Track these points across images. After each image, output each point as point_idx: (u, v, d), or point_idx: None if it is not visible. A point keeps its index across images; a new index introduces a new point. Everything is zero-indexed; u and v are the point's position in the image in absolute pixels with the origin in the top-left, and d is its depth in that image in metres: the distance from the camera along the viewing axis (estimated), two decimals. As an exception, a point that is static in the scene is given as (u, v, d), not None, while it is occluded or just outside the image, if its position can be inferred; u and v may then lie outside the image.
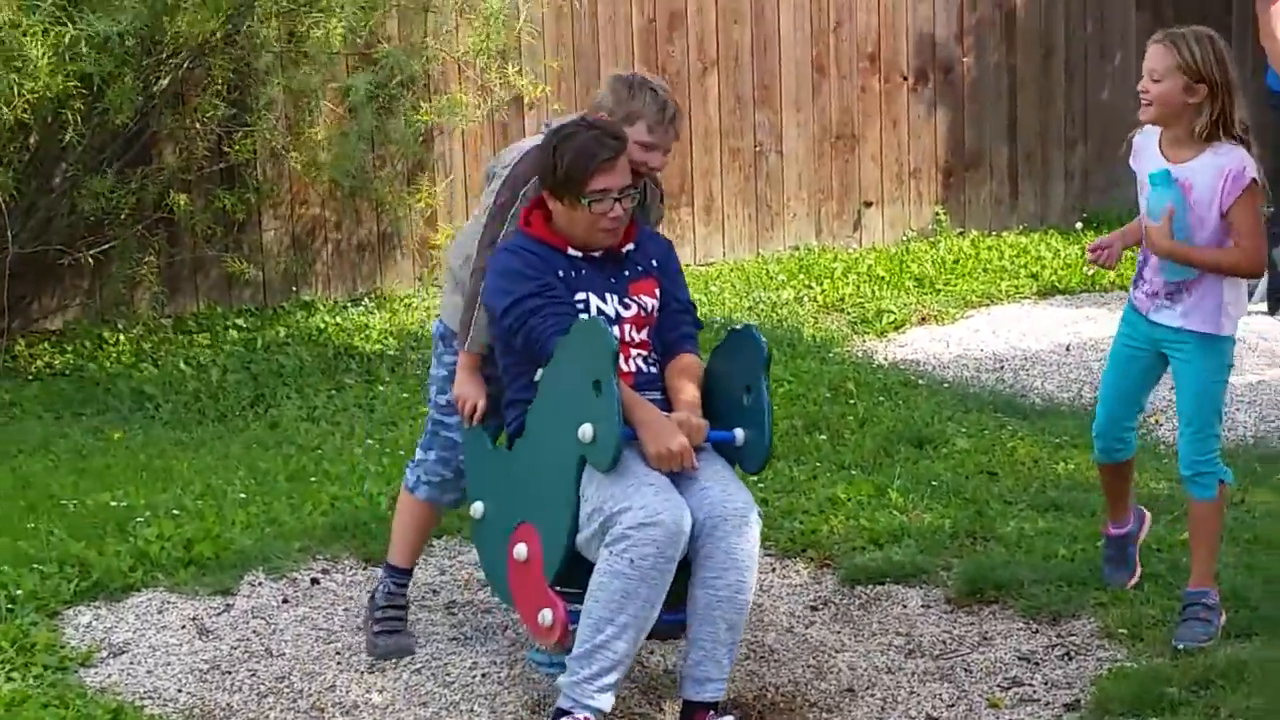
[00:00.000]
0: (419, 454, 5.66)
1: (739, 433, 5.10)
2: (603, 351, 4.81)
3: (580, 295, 5.12)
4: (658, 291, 5.25)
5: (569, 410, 4.91)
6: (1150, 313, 5.53)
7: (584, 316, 5.03)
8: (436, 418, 5.57)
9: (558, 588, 5.01)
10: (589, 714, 4.80)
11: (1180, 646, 5.34)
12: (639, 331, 5.18)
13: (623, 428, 4.82)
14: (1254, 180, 5.30)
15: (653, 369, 5.19)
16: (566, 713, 4.82)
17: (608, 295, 5.15)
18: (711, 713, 4.93)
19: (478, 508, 5.30)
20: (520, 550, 5.07)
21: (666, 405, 5.12)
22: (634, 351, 5.16)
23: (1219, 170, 5.30)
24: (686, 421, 5.00)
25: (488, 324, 5.22)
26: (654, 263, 5.28)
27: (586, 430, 4.84)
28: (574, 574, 5.00)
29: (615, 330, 5.09)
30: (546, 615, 4.96)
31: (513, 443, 5.19)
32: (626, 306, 5.17)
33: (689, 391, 5.15)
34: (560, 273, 5.12)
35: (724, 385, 5.19)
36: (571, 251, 5.15)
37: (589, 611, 4.82)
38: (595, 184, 5.05)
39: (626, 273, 5.21)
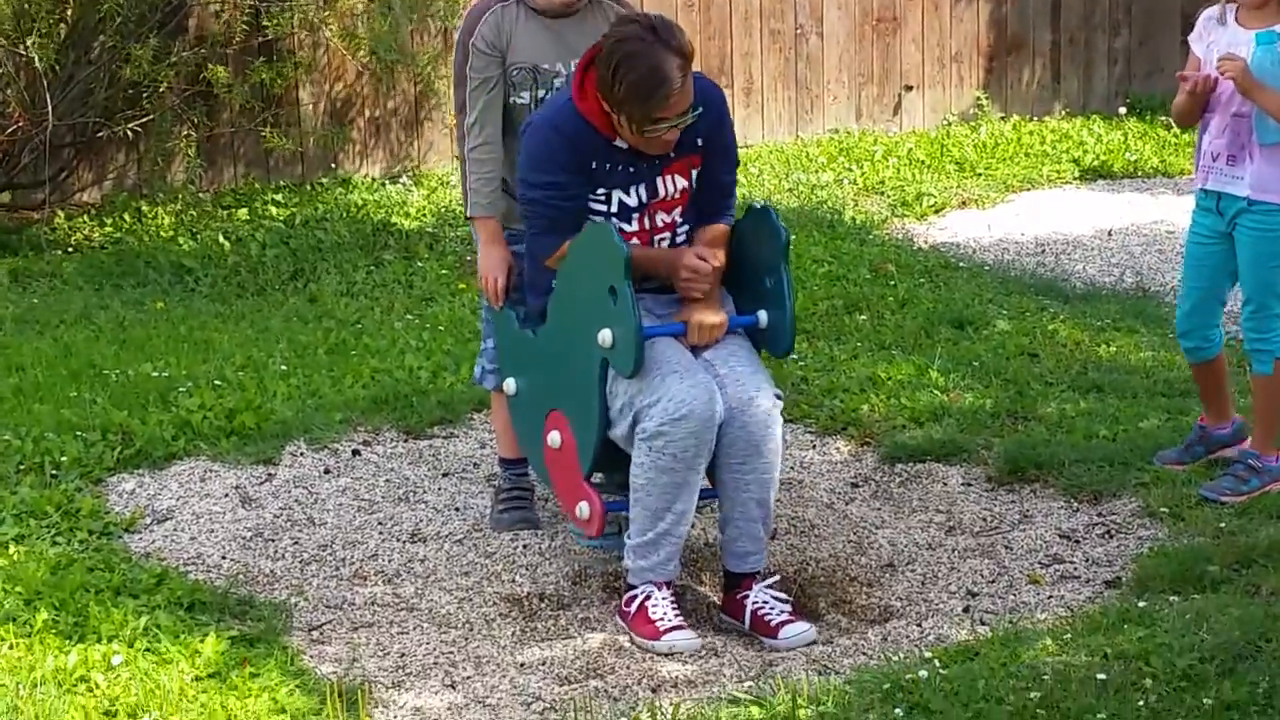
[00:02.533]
0: (482, 344, 5.64)
1: (762, 315, 5.08)
2: (615, 258, 4.78)
3: (601, 191, 4.99)
4: (694, 172, 5.08)
5: (587, 313, 4.90)
6: (1210, 180, 5.49)
7: (594, 220, 4.93)
8: (485, 303, 5.53)
9: (593, 478, 5.06)
10: (664, 579, 4.88)
11: (1202, 493, 5.46)
12: (667, 213, 5.08)
13: (642, 330, 4.79)
14: None
15: (680, 246, 5.12)
16: (636, 587, 4.88)
17: (634, 187, 5.01)
18: (756, 577, 4.96)
19: (510, 384, 5.31)
20: (554, 438, 5.09)
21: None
22: (657, 236, 5.07)
23: None
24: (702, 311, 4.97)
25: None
26: (699, 141, 5.07)
27: (606, 335, 4.84)
28: (609, 461, 5.05)
29: (636, 218, 5.01)
30: (584, 509, 5.01)
31: (537, 328, 5.19)
32: (654, 194, 5.04)
33: (709, 233, 5.07)
34: (593, 163, 4.97)
35: (745, 269, 5.14)
36: (617, 142, 4.96)
37: (643, 504, 4.85)
38: (655, 114, 4.83)
39: (671, 155, 5.03)
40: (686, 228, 5.12)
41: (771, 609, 4.88)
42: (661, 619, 4.80)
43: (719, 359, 4.99)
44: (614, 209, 5.00)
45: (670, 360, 4.87)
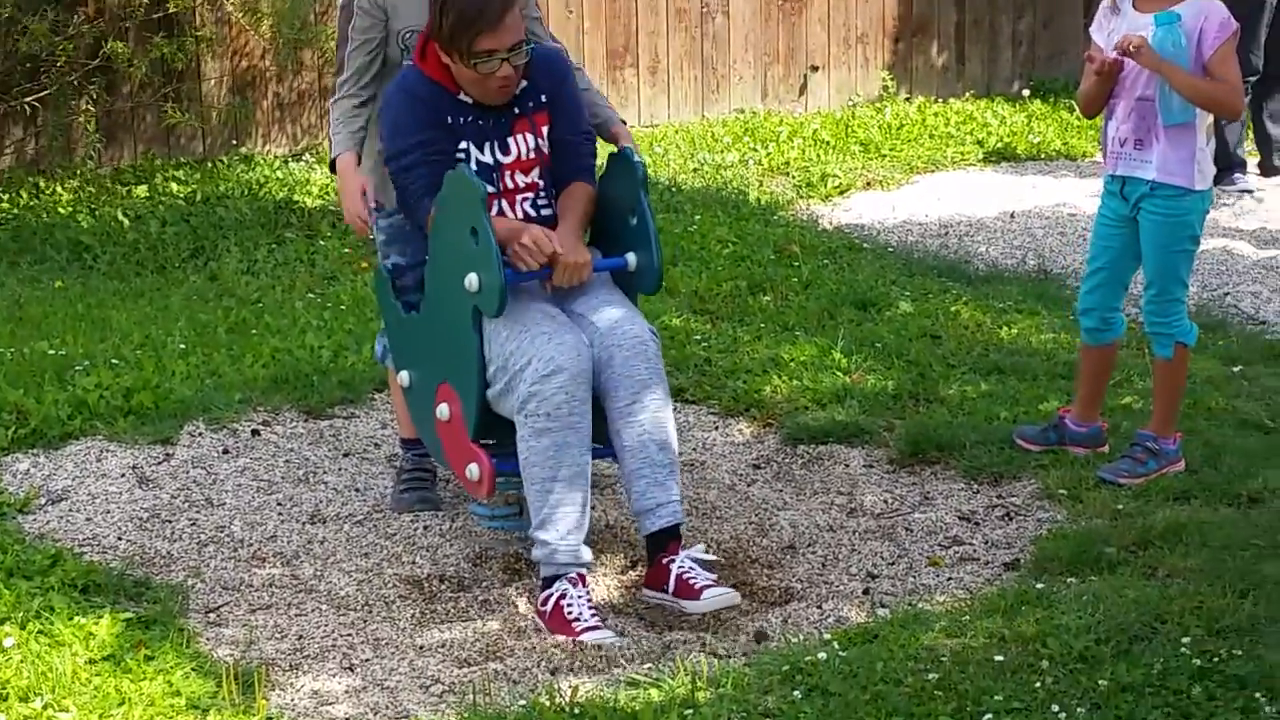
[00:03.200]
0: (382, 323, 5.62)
1: (630, 257, 5.10)
2: (472, 198, 4.80)
3: (462, 144, 5.04)
4: (545, 129, 5.12)
5: (455, 264, 4.91)
6: (1119, 165, 5.53)
7: (455, 170, 4.93)
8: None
9: (481, 441, 5.02)
10: (576, 571, 4.81)
11: (1100, 475, 5.52)
12: (525, 174, 5.10)
13: (505, 271, 4.81)
14: (1236, 30, 5.42)
15: (545, 210, 5.13)
16: (555, 578, 4.82)
17: (486, 144, 5.06)
18: (679, 544, 4.93)
19: (404, 377, 5.30)
20: (443, 410, 5.08)
21: None
22: (519, 197, 5.10)
23: (1199, 15, 5.39)
24: (566, 251, 4.96)
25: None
26: (542, 98, 5.13)
27: (472, 279, 4.84)
28: (493, 428, 5.02)
29: (496, 178, 5.04)
30: (473, 469, 4.98)
31: (419, 306, 5.18)
32: (506, 151, 5.08)
33: (569, 218, 5.07)
34: (448, 118, 5.03)
35: (610, 211, 5.18)
36: (462, 97, 5.04)
37: (530, 479, 4.83)
38: (480, 45, 4.90)
39: (516, 110, 5.09)
40: (548, 192, 5.14)
41: (696, 575, 4.85)
42: (578, 619, 4.74)
43: (589, 307, 5.00)
44: (474, 169, 5.01)
45: (538, 322, 4.87)
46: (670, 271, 7.97)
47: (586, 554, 4.85)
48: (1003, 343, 6.98)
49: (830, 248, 8.46)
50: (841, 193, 9.85)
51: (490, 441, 5.05)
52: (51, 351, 6.75)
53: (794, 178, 10.05)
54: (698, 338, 7.04)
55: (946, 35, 12.15)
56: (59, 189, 9.34)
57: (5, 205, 9.13)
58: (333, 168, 5.45)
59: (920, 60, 12.11)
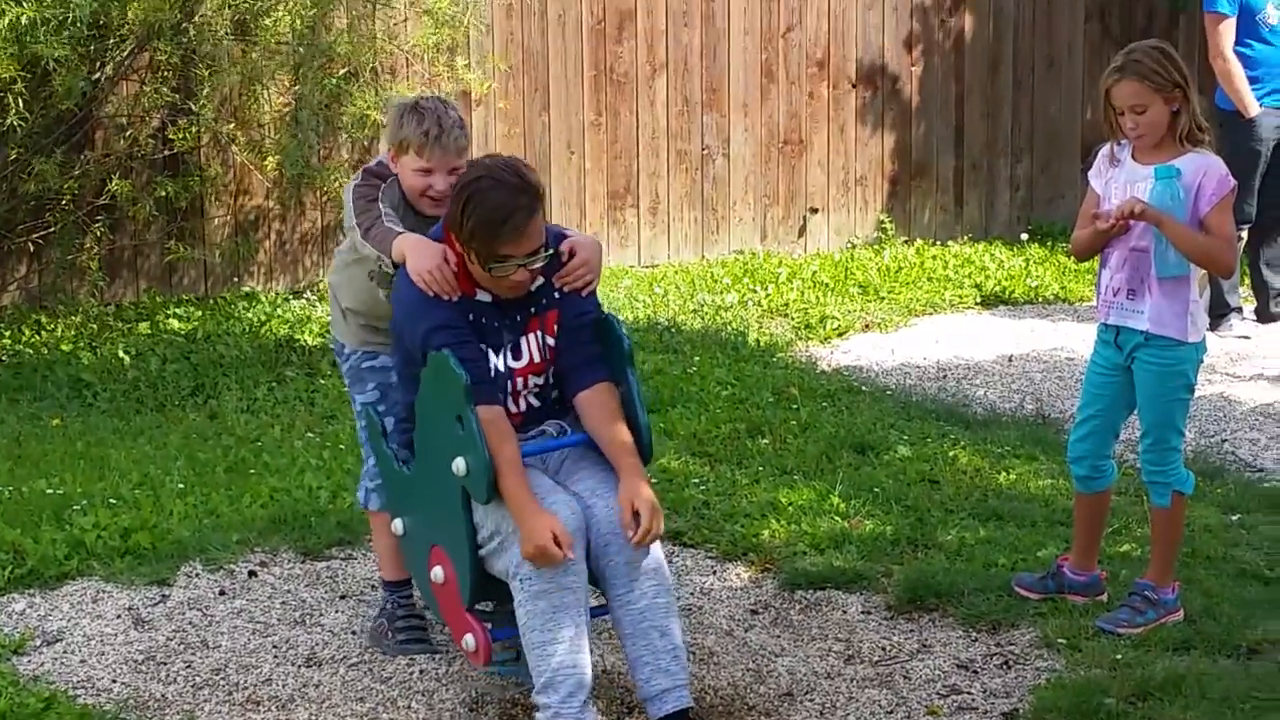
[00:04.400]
0: (363, 465, 5.63)
1: None
2: (455, 386, 4.80)
3: (482, 344, 5.01)
4: (556, 327, 5.09)
5: (442, 443, 4.93)
6: (1111, 315, 5.56)
7: (439, 354, 4.88)
8: (364, 423, 5.52)
9: (477, 607, 5.04)
10: None
11: (1099, 625, 5.50)
12: (537, 377, 5.08)
13: (486, 457, 4.80)
14: (1234, 187, 5.48)
15: (548, 399, 5.11)
16: None
17: (500, 349, 5.01)
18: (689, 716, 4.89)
19: (398, 525, 5.32)
20: (437, 573, 5.09)
21: (564, 429, 5.10)
22: (525, 393, 5.09)
23: (1198, 170, 5.44)
24: (636, 502, 4.87)
25: (395, 344, 5.18)
26: (556, 294, 5.09)
27: (459, 464, 4.86)
28: (489, 589, 5.04)
29: (507, 384, 5.02)
30: (469, 640, 5.00)
31: (410, 464, 5.21)
32: (518, 355, 5.05)
33: (619, 439, 4.98)
34: (470, 316, 4.99)
35: None
36: (479, 296, 5.00)
37: (529, 643, 4.81)
38: (501, 250, 4.86)
39: (531, 309, 5.05)
40: (550, 379, 5.12)
41: None
42: None
43: (586, 489, 4.98)
44: (491, 373, 4.99)
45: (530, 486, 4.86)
46: (669, 413, 7.99)
47: (590, 716, 4.82)
48: (1001, 488, 6.98)
49: (829, 390, 8.48)
50: (840, 335, 9.89)
51: (488, 606, 5.07)
52: (50, 490, 6.75)
53: (793, 319, 10.09)
54: (695, 480, 7.04)
55: (945, 179, 12.25)
56: (60, 325, 9.37)
57: (7, 341, 9.16)
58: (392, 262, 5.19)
59: (918, 203, 12.20)
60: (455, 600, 5.04)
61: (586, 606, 4.86)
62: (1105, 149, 5.66)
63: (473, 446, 4.80)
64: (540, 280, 5.04)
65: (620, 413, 5.04)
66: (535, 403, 5.10)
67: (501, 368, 5.01)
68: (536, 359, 5.07)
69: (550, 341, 5.08)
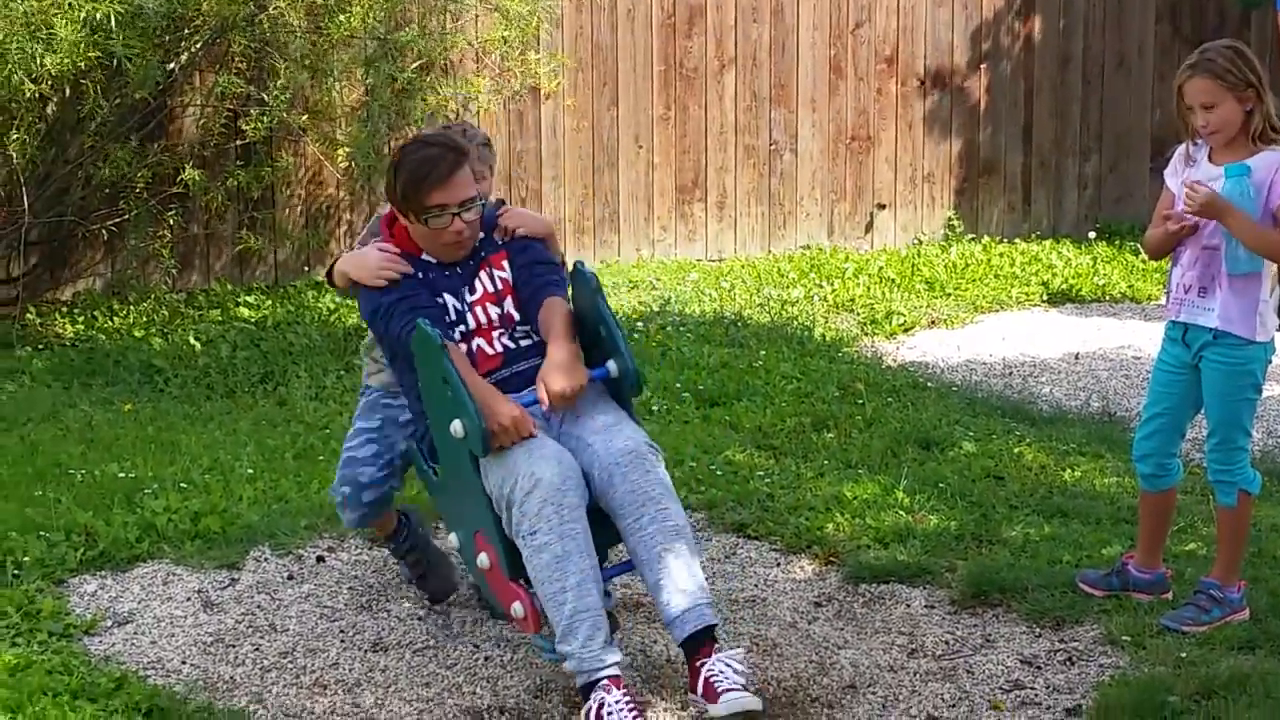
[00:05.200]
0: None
1: (611, 365, 5.19)
2: (433, 349, 4.97)
3: (439, 298, 5.25)
4: (505, 263, 5.35)
5: (442, 416, 5.04)
6: (1181, 312, 5.55)
7: (421, 322, 5.06)
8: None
9: (521, 580, 5.07)
10: (608, 676, 4.82)
11: (1164, 623, 5.49)
12: (495, 306, 5.28)
13: (475, 409, 4.93)
14: None
15: (524, 341, 5.28)
16: (591, 685, 4.83)
17: (454, 291, 5.26)
18: (715, 645, 4.92)
19: (453, 539, 5.41)
20: (482, 559, 5.15)
21: None
22: (495, 332, 5.27)
23: (1270, 167, 5.42)
24: (559, 370, 5.05)
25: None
26: (498, 240, 5.38)
27: (456, 426, 4.97)
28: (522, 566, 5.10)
29: (470, 317, 5.23)
30: (517, 608, 5.05)
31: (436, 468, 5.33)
32: (472, 290, 5.28)
33: (556, 335, 5.17)
34: (420, 274, 5.26)
35: (582, 326, 5.29)
36: (425, 257, 5.29)
37: (542, 595, 4.90)
38: (431, 200, 5.14)
39: (482, 253, 5.34)
40: (525, 323, 5.31)
41: (723, 677, 4.82)
42: None
43: (585, 428, 5.10)
44: (449, 313, 5.23)
45: (517, 444, 4.97)
46: (734, 406, 8.01)
47: (613, 655, 4.87)
48: (1066, 485, 6.97)
49: (894, 385, 8.48)
50: (906, 330, 9.90)
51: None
52: (121, 474, 6.83)
53: (859, 314, 10.10)
54: (760, 473, 7.07)
55: (1013, 176, 12.23)
56: (132, 311, 9.48)
57: (81, 327, 9.27)
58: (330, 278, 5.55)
59: (986, 200, 12.19)
60: (499, 576, 5.10)
61: (591, 552, 4.93)
62: (1181, 149, 5.64)
63: (462, 405, 4.92)
64: (481, 234, 5.32)
65: (561, 314, 5.22)
66: (510, 344, 5.26)
67: (459, 305, 5.24)
68: (490, 290, 5.29)
69: (502, 275, 5.33)
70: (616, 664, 4.87)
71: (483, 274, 5.30)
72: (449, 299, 5.24)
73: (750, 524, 6.55)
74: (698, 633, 4.91)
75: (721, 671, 4.85)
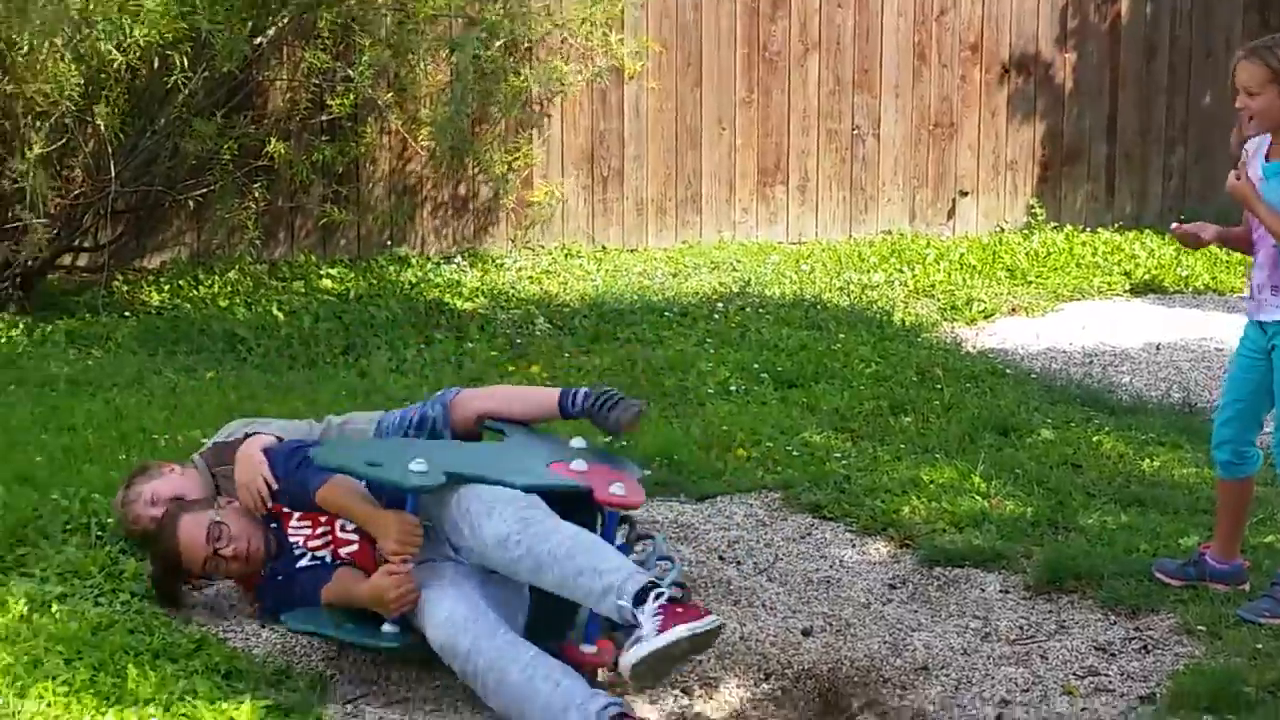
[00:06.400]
0: None
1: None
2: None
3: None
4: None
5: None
6: (1256, 313, 5.53)
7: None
8: None
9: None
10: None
11: (1240, 614, 5.47)
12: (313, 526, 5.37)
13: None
14: None
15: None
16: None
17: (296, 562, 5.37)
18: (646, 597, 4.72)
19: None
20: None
21: None
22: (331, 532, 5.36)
23: None
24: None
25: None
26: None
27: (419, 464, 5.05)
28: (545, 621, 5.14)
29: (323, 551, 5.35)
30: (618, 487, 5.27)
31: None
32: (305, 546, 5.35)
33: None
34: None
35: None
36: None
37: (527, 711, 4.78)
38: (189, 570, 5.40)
39: (273, 524, 5.41)
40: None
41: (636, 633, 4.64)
42: None
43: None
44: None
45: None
46: (812, 389, 8.03)
47: (599, 696, 4.70)
48: (1144, 475, 6.95)
49: (973, 372, 8.47)
50: (986, 317, 9.88)
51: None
52: (205, 439, 6.87)
53: (939, 300, 10.08)
54: (837, 455, 7.07)
55: (1096, 166, 12.17)
56: (217, 281, 9.57)
57: (166, 296, 9.37)
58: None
59: (1069, 189, 12.13)
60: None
61: (521, 643, 4.84)
62: (1249, 143, 5.62)
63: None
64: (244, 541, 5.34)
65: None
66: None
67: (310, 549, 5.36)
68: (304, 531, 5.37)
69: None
70: (609, 701, 4.69)
71: (290, 544, 5.34)
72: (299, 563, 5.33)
73: (826, 505, 6.56)
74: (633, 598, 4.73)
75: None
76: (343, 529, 5.28)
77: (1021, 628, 5.58)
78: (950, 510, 6.44)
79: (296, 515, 5.34)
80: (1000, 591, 5.85)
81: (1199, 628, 5.45)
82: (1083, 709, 4.99)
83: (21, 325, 8.93)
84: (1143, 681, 5.17)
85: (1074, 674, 5.24)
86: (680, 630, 4.55)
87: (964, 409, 7.76)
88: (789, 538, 6.29)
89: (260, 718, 4.68)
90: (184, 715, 4.66)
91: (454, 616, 4.85)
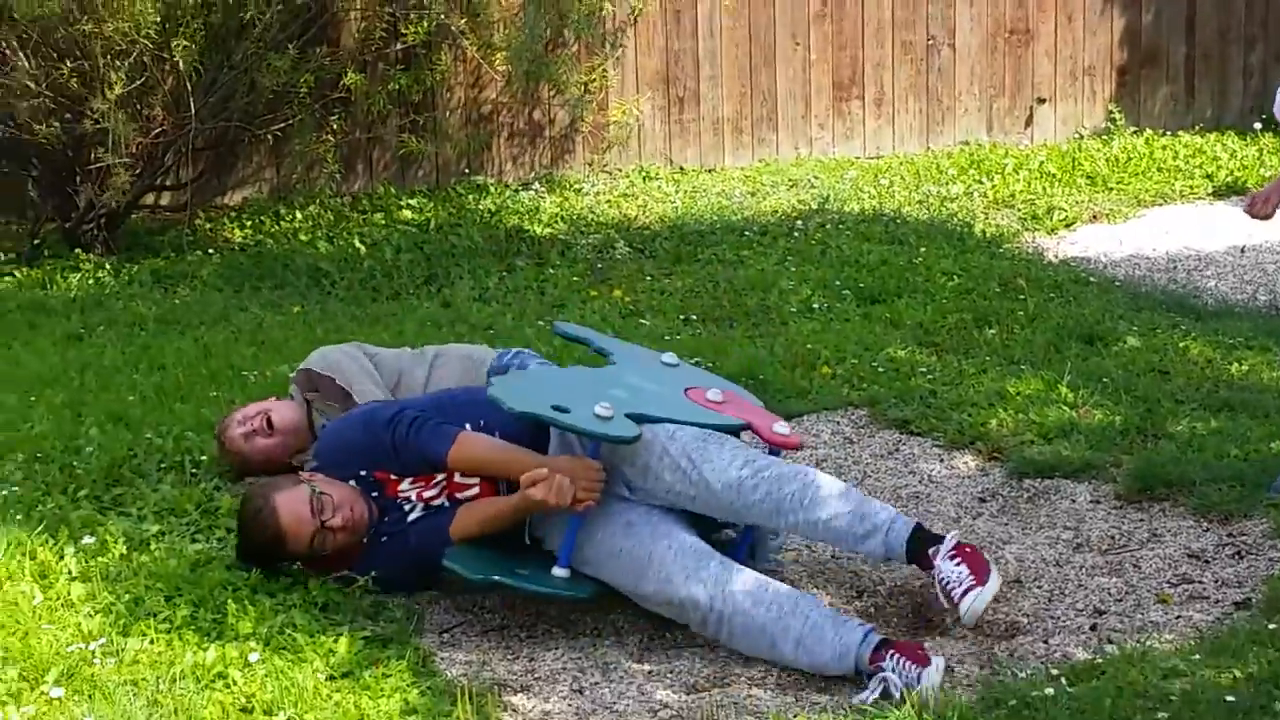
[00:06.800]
0: None
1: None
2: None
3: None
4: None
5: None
6: None
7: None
8: None
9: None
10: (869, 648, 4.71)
11: (1269, 493, 5.57)
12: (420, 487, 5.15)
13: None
14: None
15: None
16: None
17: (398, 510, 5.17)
18: (935, 553, 4.93)
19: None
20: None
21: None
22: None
23: None
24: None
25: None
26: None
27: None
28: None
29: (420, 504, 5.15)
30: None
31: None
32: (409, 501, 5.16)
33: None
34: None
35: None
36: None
37: (784, 645, 4.79)
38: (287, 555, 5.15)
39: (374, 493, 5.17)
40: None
41: (955, 581, 4.84)
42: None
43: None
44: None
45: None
46: (895, 303, 8.02)
47: (856, 627, 4.74)
48: (1233, 379, 6.91)
49: (1056, 281, 8.43)
50: (1068, 226, 9.81)
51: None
52: (292, 374, 6.94)
53: (1019, 210, 10.02)
54: (923, 369, 7.06)
55: (1175, 68, 12.02)
56: (298, 215, 9.62)
57: (249, 231, 9.44)
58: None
59: (1148, 93, 12.00)
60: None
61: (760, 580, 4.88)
62: None
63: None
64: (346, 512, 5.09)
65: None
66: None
67: (410, 502, 5.15)
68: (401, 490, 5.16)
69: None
70: (869, 630, 4.74)
71: (400, 502, 5.15)
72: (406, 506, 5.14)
73: (913, 420, 6.56)
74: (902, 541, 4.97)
75: (949, 578, 4.87)
76: (460, 475, 5.12)
77: (1113, 537, 5.57)
78: (1038, 421, 6.42)
79: (407, 480, 5.17)
80: (1091, 502, 5.84)
81: (1292, 532, 5.43)
82: (1177, 617, 4.98)
83: (108, 266, 9.03)
84: (1237, 587, 5.15)
85: (1168, 582, 5.23)
86: (994, 573, 4.85)
87: (1048, 319, 7.72)
88: (876, 454, 6.30)
89: (359, 649, 4.74)
90: (284, 648, 4.72)
91: (682, 568, 4.85)
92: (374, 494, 5.15)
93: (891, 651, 4.59)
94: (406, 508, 5.13)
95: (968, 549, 4.90)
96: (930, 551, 4.91)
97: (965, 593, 4.80)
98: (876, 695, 4.50)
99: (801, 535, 5.14)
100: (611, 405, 4.93)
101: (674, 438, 5.01)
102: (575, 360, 6.66)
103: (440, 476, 5.11)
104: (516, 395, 4.96)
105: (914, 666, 4.51)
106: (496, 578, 4.93)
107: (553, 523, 5.02)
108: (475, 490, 5.09)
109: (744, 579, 4.83)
